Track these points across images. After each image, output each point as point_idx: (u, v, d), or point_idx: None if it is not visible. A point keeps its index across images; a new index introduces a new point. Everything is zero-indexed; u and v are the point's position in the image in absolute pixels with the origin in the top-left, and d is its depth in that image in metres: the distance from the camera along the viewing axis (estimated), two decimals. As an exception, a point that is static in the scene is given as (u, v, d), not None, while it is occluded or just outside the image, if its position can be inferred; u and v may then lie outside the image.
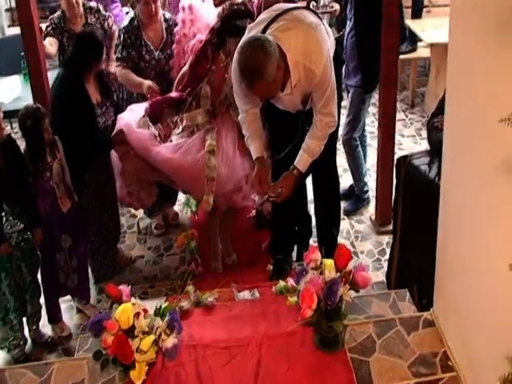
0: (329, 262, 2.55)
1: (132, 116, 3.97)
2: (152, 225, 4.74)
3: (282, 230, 4.01)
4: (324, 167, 3.65)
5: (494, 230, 2.03)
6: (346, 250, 2.57)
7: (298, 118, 3.42)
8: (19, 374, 2.60)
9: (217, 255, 4.25)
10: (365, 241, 4.50)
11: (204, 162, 3.82)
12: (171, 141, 3.91)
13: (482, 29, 1.87)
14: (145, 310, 2.52)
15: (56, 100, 3.79)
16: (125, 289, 2.58)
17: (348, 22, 4.36)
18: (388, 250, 3.96)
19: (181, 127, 3.95)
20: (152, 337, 2.43)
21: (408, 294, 3.08)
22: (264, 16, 3.27)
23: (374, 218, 4.62)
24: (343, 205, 4.63)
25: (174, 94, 4.01)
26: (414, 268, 3.45)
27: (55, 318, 3.81)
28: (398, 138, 5.06)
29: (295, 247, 4.17)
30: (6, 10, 7.22)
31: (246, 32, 3.30)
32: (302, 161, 3.39)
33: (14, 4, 7.31)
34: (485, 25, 1.83)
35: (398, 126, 5.73)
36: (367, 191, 4.81)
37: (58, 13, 4.65)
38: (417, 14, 6.28)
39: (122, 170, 4.01)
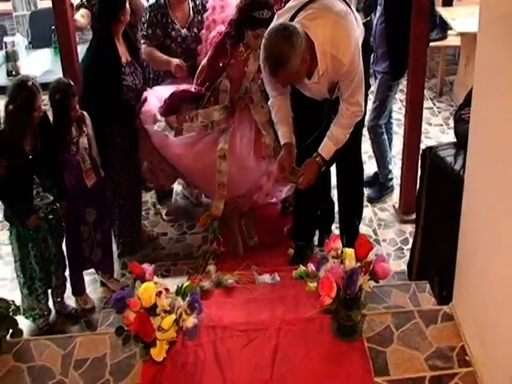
0: (349, 251, 2.57)
1: (156, 102, 3.92)
2: (162, 212, 4.73)
3: (304, 216, 4.00)
4: (349, 154, 3.62)
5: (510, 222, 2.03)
6: (367, 240, 2.58)
7: (323, 106, 3.41)
8: (43, 345, 2.68)
9: (236, 247, 4.22)
10: (387, 229, 4.47)
11: (215, 166, 3.81)
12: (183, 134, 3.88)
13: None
14: (166, 290, 2.57)
15: (87, 58, 3.87)
16: (148, 268, 2.62)
17: (378, 8, 4.30)
18: (411, 240, 3.96)
19: (196, 122, 3.87)
20: (173, 316, 2.48)
21: (428, 285, 3.08)
22: (293, 3, 3.24)
23: (397, 206, 4.60)
24: (367, 192, 4.61)
25: (193, 88, 3.93)
26: (436, 259, 3.44)
27: (79, 290, 3.90)
28: (424, 126, 5.02)
29: (317, 232, 4.17)
30: None
31: (275, 19, 3.28)
32: (326, 148, 3.37)
33: None
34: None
35: (426, 114, 5.65)
36: (392, 179, 4.78)
37: None
38: (448, 2, 6.13)
39: (142, 148, 4.00)
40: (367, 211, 4.54)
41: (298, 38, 2.94)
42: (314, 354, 2.53)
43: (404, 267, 3.88)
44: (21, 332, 2.76)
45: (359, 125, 3.62)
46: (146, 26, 4.11)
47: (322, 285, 2.51)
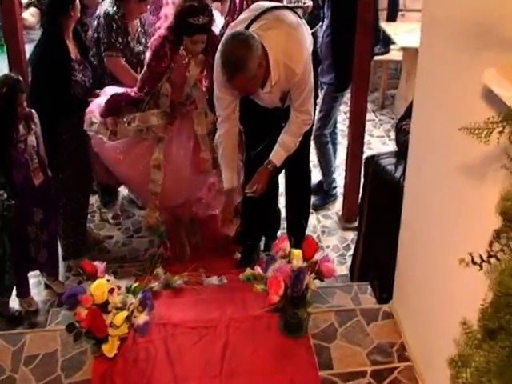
0: (297, 252, 2.69)
1: (100, 102, 3.87)
2: (108, 215, 4.73)
3: (251, 220, 4.07)
4: (297, 162, 3.73)
5: (446, 229, 2.18)
6: (314, 241, 2.71)
7: (273, 115, 3.50)
8: (-8, 341, 2.68)
9: (183, 251, 4.21)
10: (331, 236, 4.60)
11: (149, 174, 3.78)
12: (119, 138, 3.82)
13: (450, 40, 2.00)
14: (118, 287, 2.63)
15: (36, 54, 3.90)
16: (99, 265, 2.68)
17: (325, 20, 4.44)
18: (352, 246, 4.10)
19: (132, 126, 3.80)
20: (125, 313, 2.54)
21: (369, 287, 3.23)
22: (245, 15, 3.33)
23: (340, 214, 4.74)
24: (311, 199, 4.76)
25: (132, 92, 3.86)
26: (376, 263, 3.59)
27: (24, 292, 3.85)
28: (367, 137, 5.18)
29: (263, 239, 4.27)
30: None
31: (227, 31, 3.33)
32: (277, 155, 3.45)
33: None
34: (453, 37, 1.96)
35: (368, 126, 5.83)
36: (335, 187, 4.94)
37: None
38: (392, 17, 6.40)
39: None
40: (311, 218, 4.65)
41: (254, 41, 3.02)
42: (261, 351, 2.63)
43: (346, 272, 4.02)
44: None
45: (308, 133, 3.73)
46: (113, 34, 4.02)
47: (270, 283, 2.61)
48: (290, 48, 3.17)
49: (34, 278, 4.04)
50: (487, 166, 1.57)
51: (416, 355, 2.56)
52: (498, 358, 1.27)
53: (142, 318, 2.59)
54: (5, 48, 5.25)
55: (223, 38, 3.16)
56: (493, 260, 1.28)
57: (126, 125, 3.79)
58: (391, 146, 5.36)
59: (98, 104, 3.86)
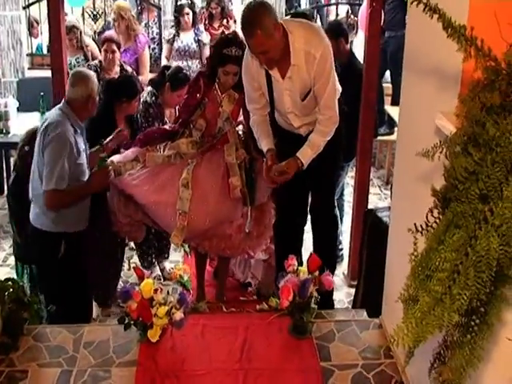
0: (303, 268, 3.34)
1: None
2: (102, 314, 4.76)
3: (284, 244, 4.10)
4: (323, 197, 4.07)
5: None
6: (317, 258, 3.36)
7: (296, 140, 3.72)
8: (57, 331, 3.31)
9: (201, 296, 4.41)
10: (337, 291, 4.83)
11: (176, 197, 3.81)
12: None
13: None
14: (161, 289, 3.28)
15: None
16: (147, 272, 3.35)
17: None
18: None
19: (162, 153, 3.94)
20: (166, 307, 3.18)
21: (365, 313, 3.84)
22: None
23: (346, 273, 5.19)
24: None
25: (167, 126, 4.14)
26: (374, 301, 4.18)
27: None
28: (373, 209, 5.80)
29: None
30: (27, 55, 7.95)
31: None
32: (304, 153, 3.61)
33: (34, 50, 8.26)
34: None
35: (374, 199, 6.54)
36: (342, 249, 5.32)
37: (96, 61, 5.44)
38: (396, 102, 6.54)
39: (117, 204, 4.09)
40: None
41: (270, 6, 3.38)
42: (274, 346, 3.24)
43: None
44: (39, 319, 3.39)
45: (334, 156, 3.95)
46: (149, 119, 4.52)
47: (282, 292, 3.25)
48: (309, 35, 3.43)
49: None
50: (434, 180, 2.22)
51: (399, 354, 3.14)
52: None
53: (178, 315, 3.21)
54: (45, 115, 6.09)
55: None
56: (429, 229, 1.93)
57: (154, 152, 3.94)
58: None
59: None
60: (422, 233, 2.00)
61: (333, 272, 4.01)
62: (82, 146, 3.68)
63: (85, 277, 3.93)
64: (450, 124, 2.20)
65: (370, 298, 4.24)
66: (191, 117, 4.02)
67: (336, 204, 5.00)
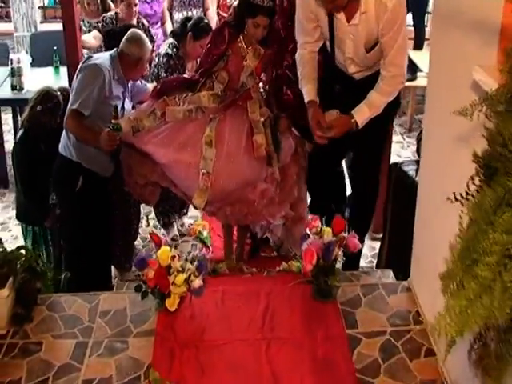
0: (327, 229, 3.15)
1: None
2: (168, 237, 4.78)
3: (317, 190, 3.95)
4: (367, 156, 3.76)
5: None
6: (342, 219, 3.18)
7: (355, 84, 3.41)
8: (72, 300, 3.19)
9: (230, 254, 4.21)
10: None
11: (200, 156, 3.55)
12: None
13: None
14: (179, 256, 3.13)
15: None
16: (164, 238, 3.20)
17: None
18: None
19: (182, 107, 3.66)
20: (184, 275, 3.04)
21: (392, 273, 3.68)
22: None
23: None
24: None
25: (186, 74, 3.90)
26: (399, 257, 4.01)
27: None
28: (395, 158, 5.55)
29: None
30: (39, 7, 7.77)
31: None
32: (360, 111, 3.28)
33: (46, 2, 8.10)
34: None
35: (396, 147, 6.34)
36: None
37: (112, 13, 5.19)
38: (418, 46, 6.70)
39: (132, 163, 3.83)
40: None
41: None
42: (297, 313, 3.08)
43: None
44: (51, 287, 3.27)
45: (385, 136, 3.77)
46: (170, 71, 4.33)
47: (305, 255, 3.09)
48: None
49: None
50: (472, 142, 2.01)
51: (428, 319, 2.99)
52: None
53: (197, 283, 3.07)
54: (59, 69, 5.93)
55: None
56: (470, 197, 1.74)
57: (175, 106, 3.67)
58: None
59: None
60: (462, 202, 1.81)
61: (363, 236, 3.97)
62: (116, 91, 3.73)
63: (104, 231, 3.97)
64: (491, 79, 1.97)
65: (395, 255, 4.10)
66: (213, 67, 3.76)
67: None
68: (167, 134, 3.61)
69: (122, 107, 3.79)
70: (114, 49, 3.83)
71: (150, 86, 4.14)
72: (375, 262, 4.64)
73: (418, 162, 3.89)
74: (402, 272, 3.73)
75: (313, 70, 3.43)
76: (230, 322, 3.04)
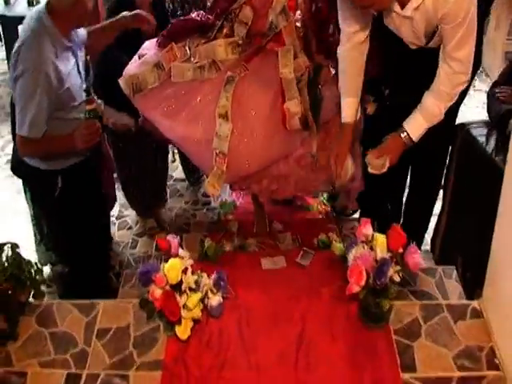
0: (381, 238, 2.50)
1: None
2: (146, 227, 4.23)
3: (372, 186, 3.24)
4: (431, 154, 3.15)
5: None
6: (401, 231, 2.49)
7: (418, 55, 2.67)
8: (66, 309, 2.66)
9: (262, 228, 3.56)
10: None
11: (213, 130, 2.81)
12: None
13: None
14: (192, 266, 2.52)
15: None
16: (173, 240, 2.56)
17: None
18: (435, 218, 3.83)
19: (191, 62, 2.88)
20: (199, 294, 2.47)
21: (455, 271, 3.02)
22: None
23: None
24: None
25: (199, 16, 2.97)
26: (460, 239, 3.39)
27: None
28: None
29: None
30: None
31: None
32: (413, 122, 2.60)
33: None
34: None
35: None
36: None
37: None
38: None
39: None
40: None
41: None
42: (340, 342, 2.47)
43: (428, 248, 3.78)
44: (43, 294, 2.71)
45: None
46: (186, 6, 3.54)
47: (351, 272, 2.46)
48: None
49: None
50: None
51: (508, 363, 2.35)
52: None
53: (215, 300, 2.50)
54: None
55: None
56: None
57: (184, 58, 2.89)
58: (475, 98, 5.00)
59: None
60: None
61: (419, 245, 3.51)
62: (67, 67, 2.72)
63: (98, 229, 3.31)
64: None
65: (456, 238, 3.44)
66: (232, 4, 2.86)
67: None
68: (173, 101, 2.87)
69: (86, 79, 2.94)
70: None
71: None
72: (429, 239, 3.87)
73: (488, 124, 3.23)
74: (463, 256, 3.26)
75: (358, 73, 2.67)
76: (257, 351, 2.46)
